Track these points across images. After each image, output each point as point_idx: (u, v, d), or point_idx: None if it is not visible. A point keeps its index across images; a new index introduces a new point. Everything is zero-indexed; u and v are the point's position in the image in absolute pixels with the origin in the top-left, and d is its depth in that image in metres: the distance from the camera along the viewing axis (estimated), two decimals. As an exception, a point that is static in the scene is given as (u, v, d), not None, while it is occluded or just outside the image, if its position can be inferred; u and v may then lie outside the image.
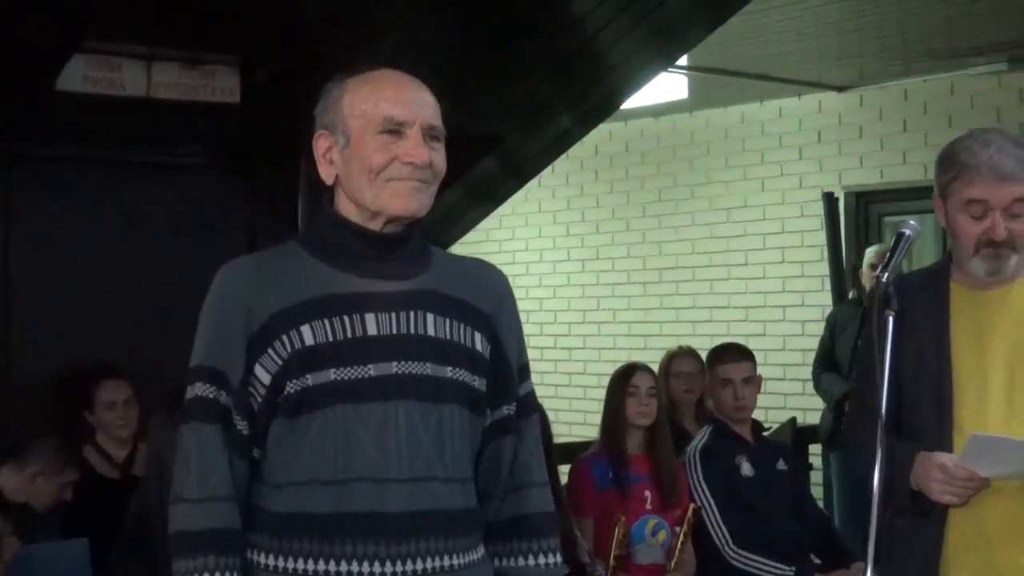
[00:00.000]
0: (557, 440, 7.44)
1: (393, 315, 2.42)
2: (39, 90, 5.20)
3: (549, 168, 8.32)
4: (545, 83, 6.12)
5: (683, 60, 7.59)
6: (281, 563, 2.37)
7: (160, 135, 5.68)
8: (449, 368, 2.44)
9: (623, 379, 5.11)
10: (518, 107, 6.32)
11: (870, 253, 7.50)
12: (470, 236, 9.60)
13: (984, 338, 3.11)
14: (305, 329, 2.38)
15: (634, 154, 10.26)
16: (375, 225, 2.46)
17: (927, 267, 3.42)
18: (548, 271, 10.91)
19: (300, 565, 2.36)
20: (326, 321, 2.39)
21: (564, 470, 5.30)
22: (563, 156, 8.37)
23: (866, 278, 7.32)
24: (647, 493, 4.99)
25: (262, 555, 2.40)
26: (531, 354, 9.52)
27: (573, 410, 10.01)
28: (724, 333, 8.96)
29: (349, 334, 2.39)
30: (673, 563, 4.91)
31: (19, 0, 4.63)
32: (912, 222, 2.99)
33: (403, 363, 2.40)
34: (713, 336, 8.17)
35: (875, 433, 2.95)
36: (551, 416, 9.84)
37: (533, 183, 9.27)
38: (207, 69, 5.42)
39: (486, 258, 9.71)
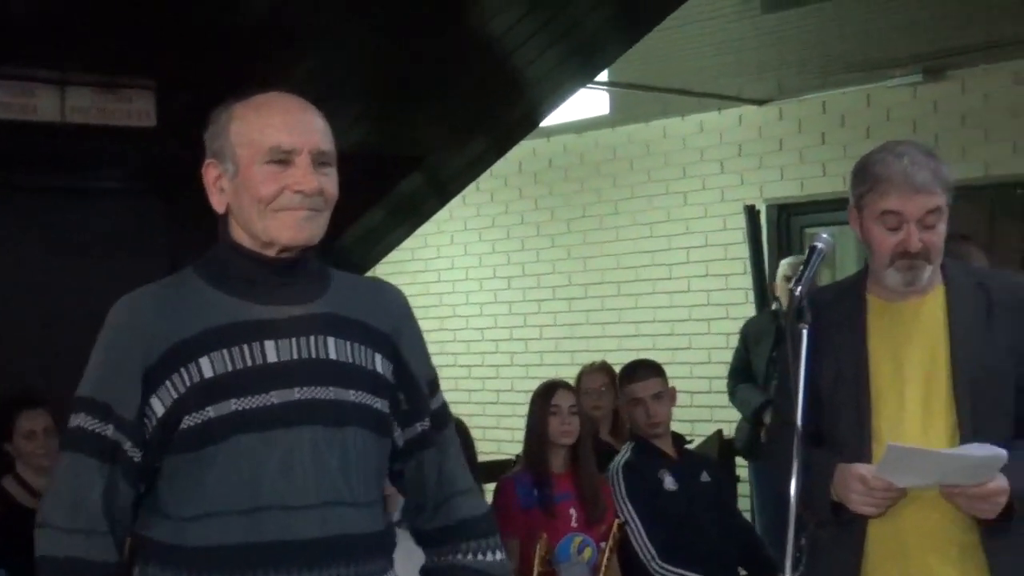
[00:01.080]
0: (487, 458, 7.44)
1: (293, 341, 2.40)
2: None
3: (473, 185, 8.31)
4: (465, 101, 6.11)
5: (604, 76, 7.61)
6: None
7: (77, 160, 5.63)
8: (352, 391, 2.43)
9: (544, 398, 5.10)
10: (438, 126, 6.31)
11: (784, 265, 7.55)
12: (395, 255, 9.56)
13: (900, 350, 3.14)
14: (203, 361, 2.35)
15: (557, 170, 10.28)
16: (269, 252, 2.43)
17: (843, 279, 3.45)
18: (474, 288, 10.89)
19: None
20: (224, 351, 2.36)
21: (494, 487, 5.28)
22: (487, 173, 8.36)
23: (780, 290, 7.39)
24: (572, 511, 4.98)
25: None
26: (458, 372, 9.50)
27: (501, 428, 9.97)
28: (650, 347, 8.99)
29: (249, 363, 2.36)
30: (600, 579, 4.92)
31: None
32: (825, 235, 3.01)
33: (305, 389, 2.38)
34: (639, 351, 8.20)
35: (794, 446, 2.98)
36: (479, 434, 9.83)
37: (457, 201, 9.25)
38: (123, 93, 5.37)
39: (412, 277, 9.68)
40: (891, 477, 2.99)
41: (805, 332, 2.86)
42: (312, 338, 2.41)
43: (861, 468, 3.03)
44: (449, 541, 2.61)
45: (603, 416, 6.05)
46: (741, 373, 7.40)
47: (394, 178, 6.47)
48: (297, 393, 2.37)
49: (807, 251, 3.02)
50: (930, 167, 3.08)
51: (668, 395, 5.36)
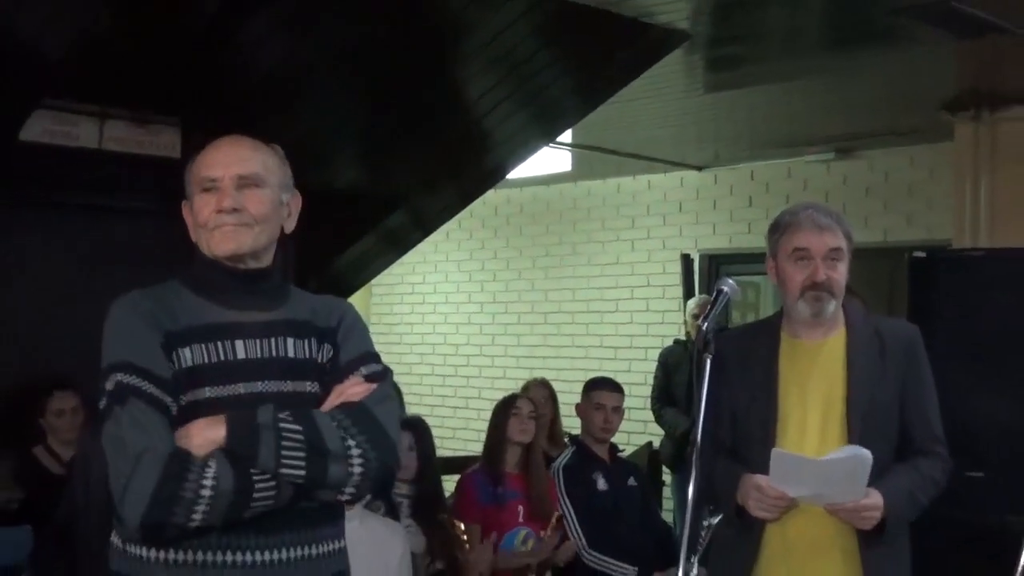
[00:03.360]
0: (455, 453, 7.38)
1: (259, 341, 2.39)
2: (3, 140, 5.08)
3: (456, 223, 8.25)
4: (442, 153, 6.12)
5: (568, 138, 7.61)
6: (154, 554, 2.27)
7: (112, 183, 5.59)
8: (308, 383, 2.41)
9: (507, 404, 5.06)
10: (420, 172, 6.33)
11: (691, 304, 7.60)
12: (387, 279, 9.49)
13: (805, 381, 3.14)
14: (186, 351, 2.33)
15: (527, 215, 10.26)
16: (230, 264, 2.42)
17: (762, 319, 3.46)
18: (452, 311, 10.85)
19: (172, 555, 2.26)
20: (202, 345, 2.34)
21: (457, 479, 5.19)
22: (467, 214, 8.31)
23: (690, 325, 7.40)
24: (520, 507, 4.91)
25: (139, 548, 2.28)
26: (434, 380, 9.39)
27: (469, 428, 9.92)
28: (597, 368, 8.91)
29: (221, 356, 2.35)
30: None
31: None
32: (731, 281, 2.98)
33: (268, 382, 2.37)
34: (587, 370, 8.13)
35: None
36: (449, 433, 9.76)
37: (441, 236, 9.16)
38: (152, 127, 5.35)
39: (400, 298, 9.63)
40: (782, 486, 3.00)
41: (709, 361, 2.82)
42: (275, 339, 2.41)
43: (759, 478, 3.04)
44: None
45: (541, 425, 5.94)
46: (663, 396, 7.41)
47: (380, 214, 6.50)
48: (261, 386, 2.36)
49: (714, 293, 2.96)
50: (832, 215, 3.17)
51: (621, 412, 5.37)
